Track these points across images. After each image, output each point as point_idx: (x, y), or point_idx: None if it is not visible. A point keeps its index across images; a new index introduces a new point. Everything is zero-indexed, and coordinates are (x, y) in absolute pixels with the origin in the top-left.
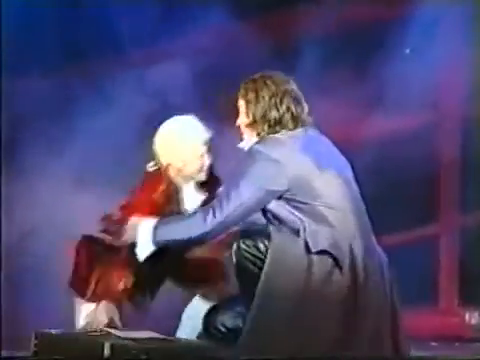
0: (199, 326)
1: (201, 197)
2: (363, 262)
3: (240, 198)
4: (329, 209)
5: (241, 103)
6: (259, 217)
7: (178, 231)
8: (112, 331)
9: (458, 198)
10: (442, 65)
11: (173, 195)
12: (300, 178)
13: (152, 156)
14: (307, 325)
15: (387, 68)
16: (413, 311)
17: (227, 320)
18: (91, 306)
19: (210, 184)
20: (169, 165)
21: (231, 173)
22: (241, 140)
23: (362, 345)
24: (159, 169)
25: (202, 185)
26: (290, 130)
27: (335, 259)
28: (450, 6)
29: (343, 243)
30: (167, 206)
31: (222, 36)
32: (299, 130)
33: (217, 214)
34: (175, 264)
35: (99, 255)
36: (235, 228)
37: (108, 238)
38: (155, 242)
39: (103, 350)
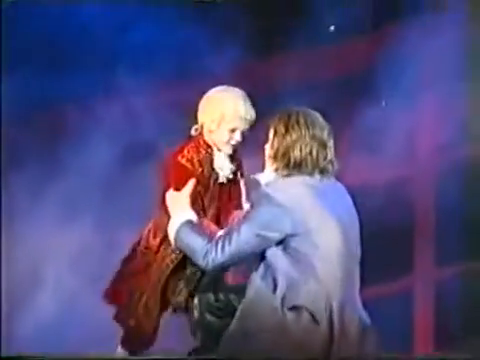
0: None
1: (232, 167)
2: (341, 318)
3: (239, 243)
4: (321, 262)
5: (270, 131)
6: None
7: (189, 251)
8: None
9: (433, 250)
10: (418, 117)
11: (205, 161)
12: (303, 226)
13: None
14: None
15: (363, 119)
16: None
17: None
18: None
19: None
20: (203, 124)
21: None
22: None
23: None
24: (200, 133)
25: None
26: (308, 174)
27: (312, 314)
28: (423, 58)
29: (324, 298)
30: (200, 171)
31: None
32: (316, 176)
33: (219, 254)
34: None
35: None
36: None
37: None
38: (175, 244)
39: None
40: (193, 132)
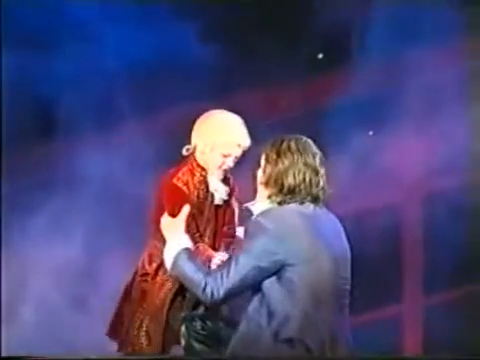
0: None
1: (227, 188)
2: (334, 348)
3: (238, 276)
4: (315, 293)
5: (262, 158)
6: None
7: (187, 282)
8: None
9: (422, 277)
10: (406, 145)
11: (200, 183)
12: (298, 257)
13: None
14: None
15: (349, 147)
16: None
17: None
18: None
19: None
20: (196, 145)
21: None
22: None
23: None
24: (192, 154)
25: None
26: (301, 202)
27: (305, 346)
28: (406, 87)
29: (317, 329)
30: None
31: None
32: (309, 206)
33: (219, 290)
34: None
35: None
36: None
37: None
38: (172, 272)
39: None
40: (184, 152)
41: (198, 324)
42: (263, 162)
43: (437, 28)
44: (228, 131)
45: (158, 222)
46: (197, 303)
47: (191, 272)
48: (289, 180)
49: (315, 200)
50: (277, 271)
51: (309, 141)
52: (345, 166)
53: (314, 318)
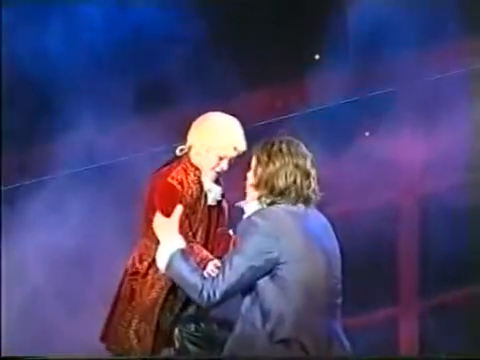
0: None
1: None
2: (329, 346)
3: (234, 277)
4: (308, 291)
5: (253, 160)
6: None
7: (182, 284)
8: None
9: (417, 282)
10: (400, 147)
11: (193, 183)
12: (291, 255)
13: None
14: None
15: (346, 149)
16: None
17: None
18: None
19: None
20: (191, 146)
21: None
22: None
23: None
24: (186, 154)
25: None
26: (291, 203)
27: (301, 345)
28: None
29: (311, 328)
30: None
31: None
32: (300, 207)
33: (215, 292)
34: None
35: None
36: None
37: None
38: (166, 273)
39: None
40: (178, 152)
41: (192, 326)
42: (254, 164)
43: (437, 28)
44: (226, 134)
45: (148, 221)
46: (187, 302)
47: (187, 274)
48: (280, 182)
49: (306, 202)
50: (270, 270)
51: (300, 143)
52: (343, 166)
53: (308, 317)
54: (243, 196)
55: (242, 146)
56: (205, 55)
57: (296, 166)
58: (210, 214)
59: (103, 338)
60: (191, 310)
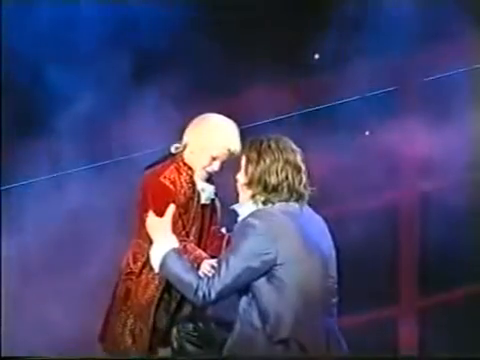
0: None
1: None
2: (327, 344)
3: (230, 277)
4: (305, 291)
5: (242, 159)
6: None
7: (177, 284)
8: None
9: (417, 281)
10: (400, 146)
11: (186, 182)
12: (287, 255)
13: None
14: None
15: (346, 147)
16: None
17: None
18: None
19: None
20: (187, 144)
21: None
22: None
23: None
24: (181, 152)
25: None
26: (285, 200)
27: (300, 344)
28: (406, 86)
29: (309, 327)
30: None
31: None
32: (295, 205)
33: (210, 291)
34: None
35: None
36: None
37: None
38: (161, 272)
39: None
40: (173, 150)
41: (190, 325)
42: (244, 163)
43: (439, 27)
44: (221, 135)
45: (141, 220)
46: (182, 301)
47: (182, 273)
48: (272, 178)
49: (299, 198)
50: (267, 271)
51: (288, 139)
52: (343, 166)
53: (306, 317)
54: (236, 196)
55: (237, 150)
56: (204, 55)
57: (286, 161)
58: (203, 213)
59: (101, 339)
60: (187, 309)
